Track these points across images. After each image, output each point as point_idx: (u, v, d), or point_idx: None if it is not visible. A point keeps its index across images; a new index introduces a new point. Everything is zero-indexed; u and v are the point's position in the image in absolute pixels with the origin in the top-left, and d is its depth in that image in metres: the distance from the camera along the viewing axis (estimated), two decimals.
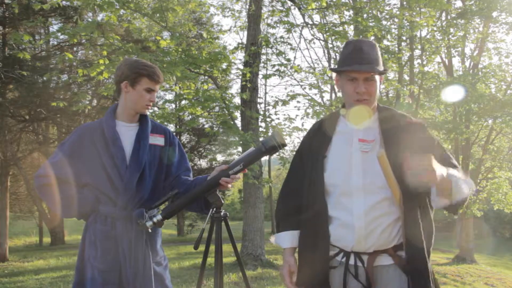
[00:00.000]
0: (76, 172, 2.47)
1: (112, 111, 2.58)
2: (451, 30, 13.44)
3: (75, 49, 15.74)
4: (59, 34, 9.67)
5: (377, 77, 2.11)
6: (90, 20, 9.91)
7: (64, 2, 10.84)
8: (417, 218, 2.00)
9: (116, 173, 2.44)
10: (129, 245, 2.42)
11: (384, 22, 11.45)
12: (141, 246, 2.45)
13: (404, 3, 11.79)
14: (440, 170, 1.82)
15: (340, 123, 2.22)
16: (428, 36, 13.58)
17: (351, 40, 2.19)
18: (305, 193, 2.18)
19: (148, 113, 2.62)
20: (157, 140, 2.60)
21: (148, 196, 2.50)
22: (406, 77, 13.94)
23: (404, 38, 13.17)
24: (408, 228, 1.99)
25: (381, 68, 2.10)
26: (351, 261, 2.06)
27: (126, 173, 2.45)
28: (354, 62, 2.06)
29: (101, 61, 8.45)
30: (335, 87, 2.28)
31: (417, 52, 14.04)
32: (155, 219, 2.36)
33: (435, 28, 13.18)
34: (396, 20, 11.59)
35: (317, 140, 2.21)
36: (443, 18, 14.24)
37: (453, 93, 12.48)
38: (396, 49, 13.18)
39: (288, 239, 2.24)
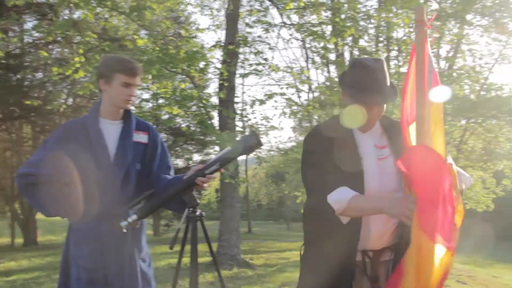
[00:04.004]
0: (60, 170, 2.39)
1: (96, 108, 2.53)
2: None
3: (50, 46, 15.48)
4: (34, 31, 9.53)
5: None
6: (66, 17, 9.75)
7: None
8: None
9: (100, 172, 2.40)
10: (115, 242, 2.39)
11: (361, 23, 11.54)
12: (126, 244, 2.43)
13: (382, 4, 11.89)
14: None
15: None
16: (404, 38, 13.73)
17: (366, 63, 2.16)
18: None
19: (131, 108, 2.57)
20: (141, 137, 2.56)
21: (132, 194, 2.46)
22: None
23: (381, 39, 13.29)
24: (404, 227, 2.05)
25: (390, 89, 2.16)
26: (358, 257, 2.16)
27: (110, 172, 2.41)
28: (374, 92, 2.09)
29: (77, 59, 8.35)
30: (343, 98, 2.30)
31: (393, 53, 14.18)
32: (129, 219, 2.33)
33: (411, 30, 13.33)
34: (373, 21, 11.69)
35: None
36: None
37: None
38: (373, 49, 13.30)
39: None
